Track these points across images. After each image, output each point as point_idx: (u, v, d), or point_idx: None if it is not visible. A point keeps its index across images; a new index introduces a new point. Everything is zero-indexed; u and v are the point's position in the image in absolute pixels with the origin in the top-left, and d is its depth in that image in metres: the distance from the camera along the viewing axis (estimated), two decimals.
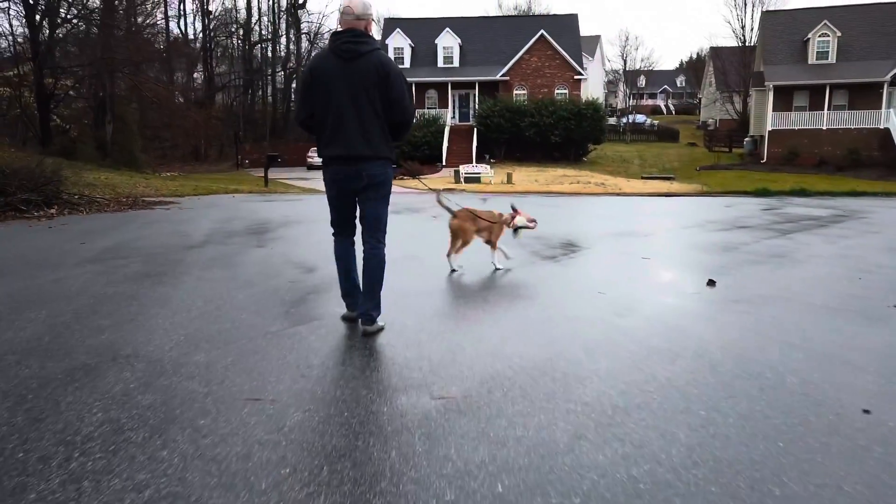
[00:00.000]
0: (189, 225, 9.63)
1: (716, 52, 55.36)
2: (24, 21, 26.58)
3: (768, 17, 37.95)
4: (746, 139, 38.04)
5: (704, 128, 55.78)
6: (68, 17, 28.76)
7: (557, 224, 10.58)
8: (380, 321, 3.99)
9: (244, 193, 18.67)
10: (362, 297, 4.04)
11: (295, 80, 55.36)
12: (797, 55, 34.81)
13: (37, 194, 11.06)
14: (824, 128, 32.43)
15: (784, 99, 33.48)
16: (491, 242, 6.32)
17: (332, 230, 4.27)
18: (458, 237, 6.09)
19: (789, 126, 32.93)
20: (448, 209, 6.16)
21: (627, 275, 6.20)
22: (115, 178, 19.40)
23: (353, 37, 3.63)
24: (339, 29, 3.75)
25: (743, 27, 52.20)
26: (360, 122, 3.67)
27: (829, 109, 32.40)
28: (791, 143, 32.48)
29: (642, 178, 30.54)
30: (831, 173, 29.70)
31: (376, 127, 3.73)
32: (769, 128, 33.28)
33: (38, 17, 26.37)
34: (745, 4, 53.52)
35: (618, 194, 21.66)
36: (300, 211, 12.74)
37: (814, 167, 31.16)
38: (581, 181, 25.58)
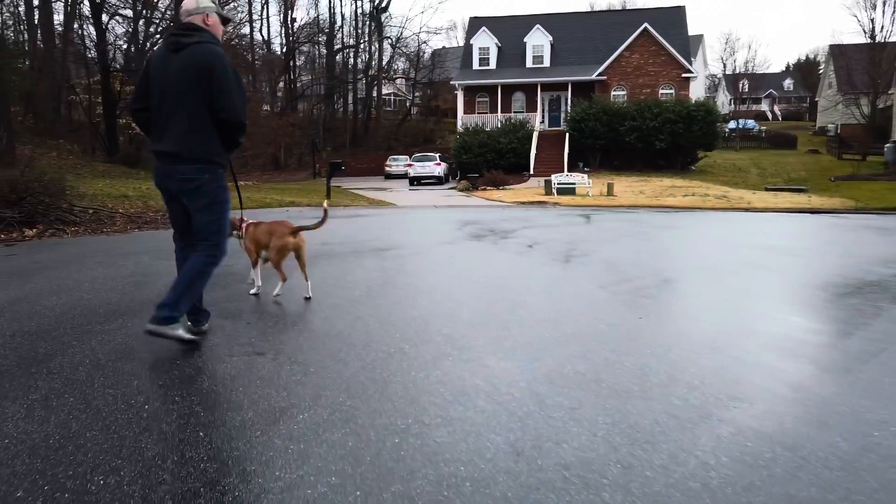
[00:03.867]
0: (168, 263, 6.87)
1: (838, 50, 49.31)
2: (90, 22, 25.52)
3: None
4: (888, 145, 32.50)
5: (824, 133, 49.81)
6: (136, 17, 27.47)
7: (709, 252, 7.12)
8: (177, 331, 3.35)
9: (302, 207, 16.08)
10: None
11: (376, 87, 53.61)
12: None
13: (14, 211, 8.69)
14: None
15: None
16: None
17: None
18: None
19: None
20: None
21: None
22: None
23: (182, 29, 3.47)
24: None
25: (872, 21, 46.16)
26: (183, 118, 3.38)
27: None
28: None
29: (766, 189, 26.10)
30: None
31: (202, 126, 3.39)
32: None
33: (105, 19, 25.17)
34: None
35: (746, 209, 17.62)
36: (352, 233, 9.84)
37: None
38: (696, 193, 21.58)
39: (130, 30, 29.03)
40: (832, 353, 3.54)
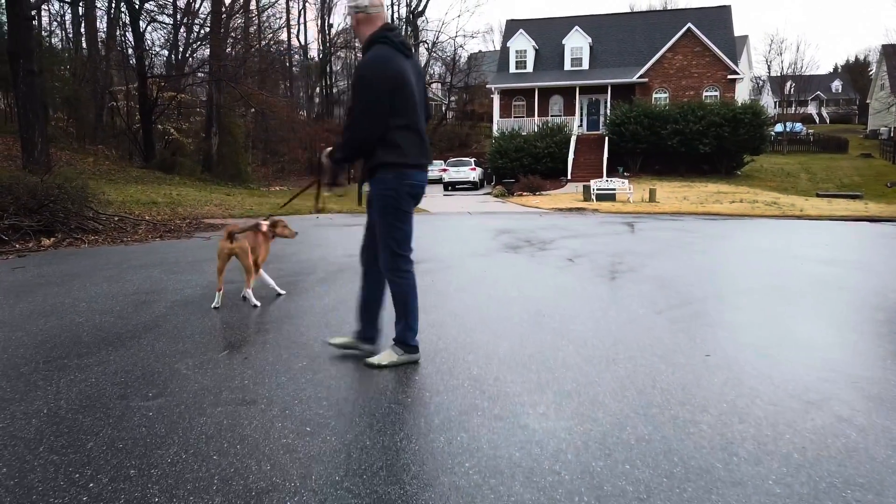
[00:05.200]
0: (178, 278, 6.44)
1: (892, 49, 47.21)
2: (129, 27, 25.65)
3: None
4: None
5: (876, 136, 47.65)
6: (175, 23, 27.54)
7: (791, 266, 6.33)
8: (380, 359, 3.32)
9: (333, 214, 15.65)
10: None
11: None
12: None
13: (33, 219, 8.37)
14: None
15: None
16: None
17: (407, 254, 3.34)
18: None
19: None
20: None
21: None
22: (192, 194, 17.11)
23: (399, 30, 3.31)
24: (381, 22, 3.25)
25: None
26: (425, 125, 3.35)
27: None
28: None
29: (818, 195, 24.81)
30: None
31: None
32: None
33: (143, 25, 25.25)
34: None
35: (799, 217, 16.58)
36: None
37: None
38: (744, 199, 20.51)
39: (171, 37, 29.17)
40: None
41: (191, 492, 2.04)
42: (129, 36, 27.95)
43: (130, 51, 28.27)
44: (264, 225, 4.96)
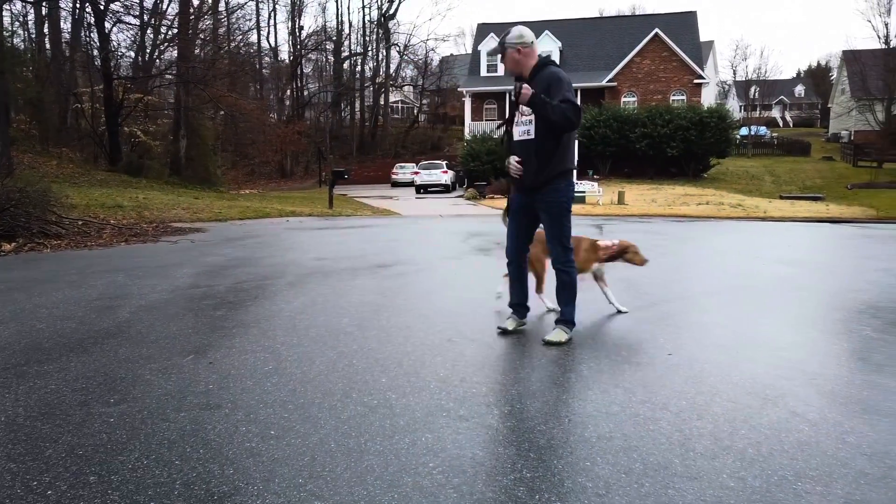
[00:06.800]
0: (143, 283, 6.36)
1: (852, 55, 48.53)
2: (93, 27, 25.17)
3: None
4: None
5: (837, 140, 48.93)
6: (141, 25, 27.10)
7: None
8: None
9: (303, 217, 15.55)
10: None
11: (383, 95, 53.12)
12: None
13: None
14: None
15: None
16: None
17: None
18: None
19: None
20: None
21: None
22: (160, 197, 16.83)
23: None
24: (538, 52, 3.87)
25: (887, 25, 45.42)
26: None
27: None
28: None
29: (781, 197, 25.36)
30: None
31: None
32: None
33: (108, 26, 24.78)
34: (891, 1, 46.23)
35: (763, 218, 16.96)
36: (351, 247, 9.28)
37: None
38: (711, 202, 20.90)
39: (137, 38, 28.67)
40: None
41: (152, 497, 2.03)
42: (95, 37, 27.45)
43: (96, 52, 27.76)
44: (604, 242, 4.72)
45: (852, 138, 45.29)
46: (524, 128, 3.84)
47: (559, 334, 3.88)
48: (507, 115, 4.12)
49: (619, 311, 4.71)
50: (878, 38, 45.76)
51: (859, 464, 2.31)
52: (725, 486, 2.13)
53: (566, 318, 3.95)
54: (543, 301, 4.78)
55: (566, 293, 3.95)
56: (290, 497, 2.03)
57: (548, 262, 4.30)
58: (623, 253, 4.73)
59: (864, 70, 44.10)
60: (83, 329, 4.17)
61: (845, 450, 2.42)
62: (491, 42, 35.89)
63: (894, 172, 31.42)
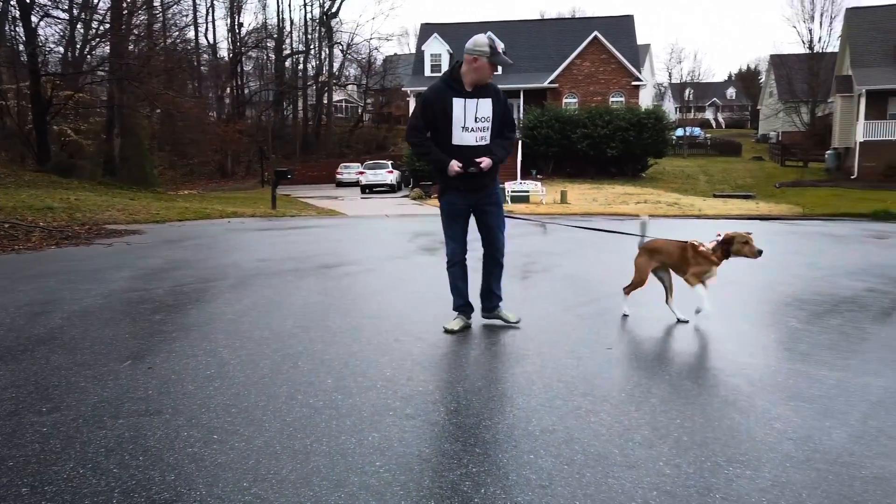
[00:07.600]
0: (76, 287, 6.14)
1: (779, 59, 50.80)
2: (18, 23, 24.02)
3: (855, 15, 33.23)
4: (829, 152, 33.37)
5: (766, 140, 51.14)
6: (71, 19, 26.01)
7: None
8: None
9: (245, 218, 15.24)
10: None
11: (327, 94, 52.52)
12: (891, 57, 30.17)
13: None
14: None
15: (877, 106, 28.92)
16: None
17: None
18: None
19: (886, 136, 28.37)
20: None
21: None
22: (92, 198, 16.18)
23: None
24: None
25: (811, 31, 47.73)
26: None
27: None
28: (889, 155, 27.88)
29: (714, 196, 26.34)
30: None
31: None
32: (860, 138, 28.81)
33: (34, 20, 23.67)
34: (815, 9, 48.63)
35: (698, 216, 17.61)
36: (296, 247, 9.15)
37: None
38: (648, 200, 21.53)
39: (67, 33, 27.48)
40: (832, 393, 3.09)
41: None
42: (21, 31, 26.17)
43: (21, 47, 26.46)
44: (695, 243, 4.56)
45: (780, 139, 47.40)
46: (480, 133, 4.10)
47: (513, 314, 4.38)
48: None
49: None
50: (803, 43, 47.87)
51: (785, 448, 2.44)
52: (662, 473, 2.22)
53: (500, 296, 4.41)
54: (673, 311, 4.62)
55: (500, 275, 4.44)
56: (234, 501, 2.00)
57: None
58: (729, 245, 4.44)
59: (791, 73, 46.13)
60: (12, 336, 4.00)
61: (773, 435, 2.55)
62: (435, 42, 35.98)
63: (819, 172, 33.08)
